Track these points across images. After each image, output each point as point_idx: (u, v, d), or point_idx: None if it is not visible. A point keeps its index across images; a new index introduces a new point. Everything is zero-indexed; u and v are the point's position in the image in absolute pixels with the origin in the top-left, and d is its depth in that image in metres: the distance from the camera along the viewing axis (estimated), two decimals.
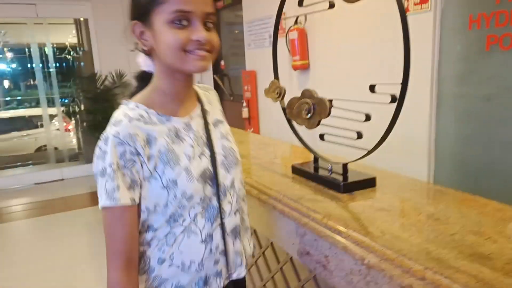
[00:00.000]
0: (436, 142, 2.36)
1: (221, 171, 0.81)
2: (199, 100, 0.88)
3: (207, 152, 0.80)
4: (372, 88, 0.93)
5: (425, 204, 0.91)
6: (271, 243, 1.25)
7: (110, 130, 0.72)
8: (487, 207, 0.86)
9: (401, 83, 0.83)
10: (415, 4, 2.29)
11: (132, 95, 0.81)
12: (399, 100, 0.85)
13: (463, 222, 0.80)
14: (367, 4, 2.63)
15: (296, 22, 3.41)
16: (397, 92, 0.88)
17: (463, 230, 0.76)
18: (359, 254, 0.76)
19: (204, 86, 0.98)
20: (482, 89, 2.04)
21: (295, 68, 3.52)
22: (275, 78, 1.31)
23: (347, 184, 1.00)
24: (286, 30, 3.57)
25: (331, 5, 0.98)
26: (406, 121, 2.45)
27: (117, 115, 0.74)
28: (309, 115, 1.12)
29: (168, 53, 0.72)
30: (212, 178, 0.78)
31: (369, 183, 1.03)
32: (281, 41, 3.69)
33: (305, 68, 3.50)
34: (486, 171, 2.11)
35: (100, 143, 0.72)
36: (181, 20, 0.70)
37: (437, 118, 2.33)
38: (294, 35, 3.43)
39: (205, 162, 0.78)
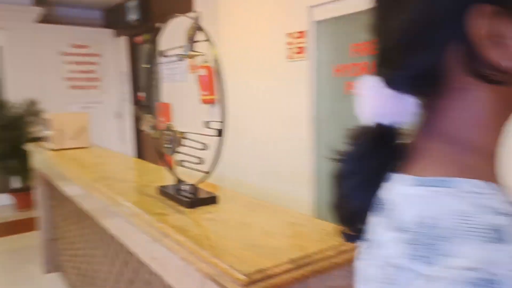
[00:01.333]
0: (316, 170, 2.72)
1: None
2: None
3: None
4: (206, 124, 1.19)
5: (244, 214, 1.17)
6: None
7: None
8: (286, 215, 1.14)
9: (220, 121, 1.10)
10: (296, 53, 2.69)
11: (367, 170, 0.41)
12: (220, 134, 1.12)
13: (262, 225, 1.07)
14: (262, 50, 3.03)
15: (204, 61, 3.73)
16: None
17: (257, 230, 1.03)
18: (178, 251, 0.99)
19: None
20: (345, 127, 2.45)
21: (204, 102, 3.80)
22: (150, 113, 1.54)
23: (191, 201, 1.24)
24: (196, 67, 3.86)
25: (181, 59, 1.25)
26: (292, 154, 2.82)
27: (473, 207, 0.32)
28: (168, 145, 1.36)
29: None
30: None
31: (211, 200, 1.28)
32: (193, 77, 3.99)
33: (213, 102, 3.79)
34: None
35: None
36: None
37: (316, 150, 2.71)
38: (203, 72, 3.73)
39: None
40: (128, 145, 5.41)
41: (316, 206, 2.76)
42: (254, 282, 0.79)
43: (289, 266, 0.84)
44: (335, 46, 2.47)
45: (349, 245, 0.95)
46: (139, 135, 5.35)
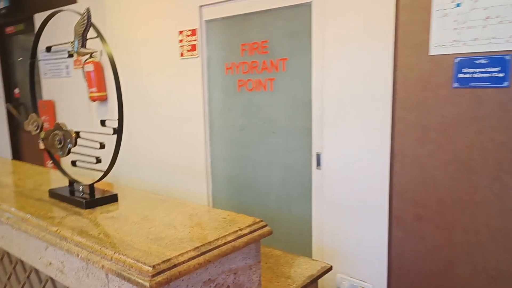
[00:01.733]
0: (211, 164, 2.80)
1: None
2: None
3: None
4: (103, 123, 1.18)
5: (144, 210, 1.19)
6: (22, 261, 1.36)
7: None
8: (185, 207, 1.19)
9: (117, 119, 1.10)
10: (188, 51, 2.72)
11: None
12: (117, 132, 1.11)
13: (163, 219, 1.10)
14: (154, 47, 2.99)
15: (91, 55, 3.52)
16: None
17: (159, 224, 1.06)
18: (78, 253, 0.97)
19: None
20: (238, 121, 2.57)
21: (93, 99, 3.59)
22: (34, 112, 1.44)
23: (88, 201, 1.22)
24: (83, 62, 3.63)
25: (70, 55, 1.20)
26: (189, 148, 2.85)
27: None
28: (60, 145, 1.30)
29: None
30: None
31: (111, 199, 1.27)
32: (79, 72, 3.74)
33: (103, 99, 3.61)
34: (245, 184, 2.63)
35: None
36: None
37: (210, 145, 2.79)
38: (90, 67, 3.52)
39: None
40: (2, 147, 4.83)
41: (212, 197, 2.84)
42: (160, 272, 0.83)
43: (193, 253, 0.90)
44: (226, 45, 2.57)
45: (246, 229, 1.04)
46: (15, 135, 4.81)
